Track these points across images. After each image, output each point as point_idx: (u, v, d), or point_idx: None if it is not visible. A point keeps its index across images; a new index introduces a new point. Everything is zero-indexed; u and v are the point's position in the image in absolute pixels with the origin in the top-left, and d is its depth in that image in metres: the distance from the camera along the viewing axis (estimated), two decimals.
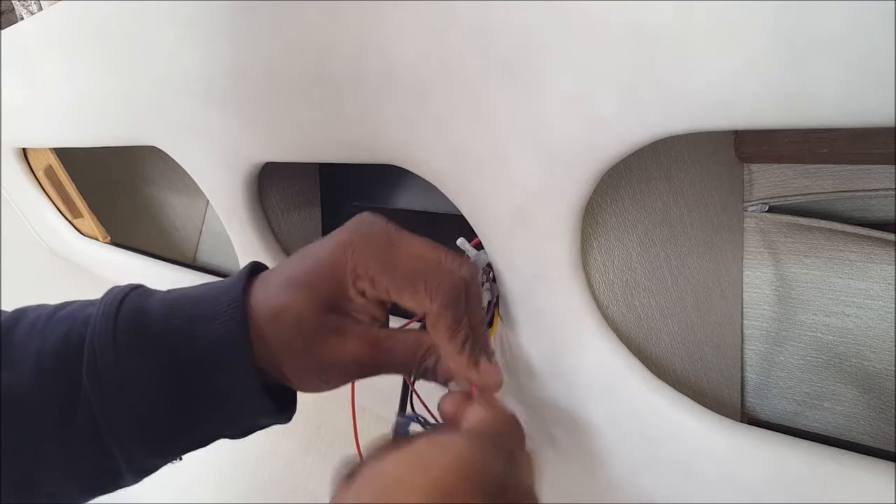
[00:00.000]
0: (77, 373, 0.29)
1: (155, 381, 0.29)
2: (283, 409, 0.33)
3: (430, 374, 0.33)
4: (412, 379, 0.34)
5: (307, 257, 0.32)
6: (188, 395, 0.30)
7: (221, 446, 0.33)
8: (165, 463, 0.32)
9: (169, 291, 0.33)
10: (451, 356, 0.31)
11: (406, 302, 0.31)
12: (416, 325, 0.35)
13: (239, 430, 0.33)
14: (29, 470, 0.30)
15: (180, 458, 0.33)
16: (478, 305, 0.33)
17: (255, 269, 0.34)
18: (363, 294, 0.31)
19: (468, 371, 0.31)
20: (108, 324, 0.30)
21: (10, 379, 0.29)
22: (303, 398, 0.36)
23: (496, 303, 0.40)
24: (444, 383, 0.34)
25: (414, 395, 0.36)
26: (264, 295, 0.31)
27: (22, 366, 0.29)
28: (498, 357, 0.42)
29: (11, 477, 0.29)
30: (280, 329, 0.30)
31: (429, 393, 0.39)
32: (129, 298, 0.31)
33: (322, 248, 0.32)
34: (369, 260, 0.31)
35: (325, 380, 0.32)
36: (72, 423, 0.29)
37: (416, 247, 0.32)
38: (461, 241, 0.38)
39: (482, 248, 0.38)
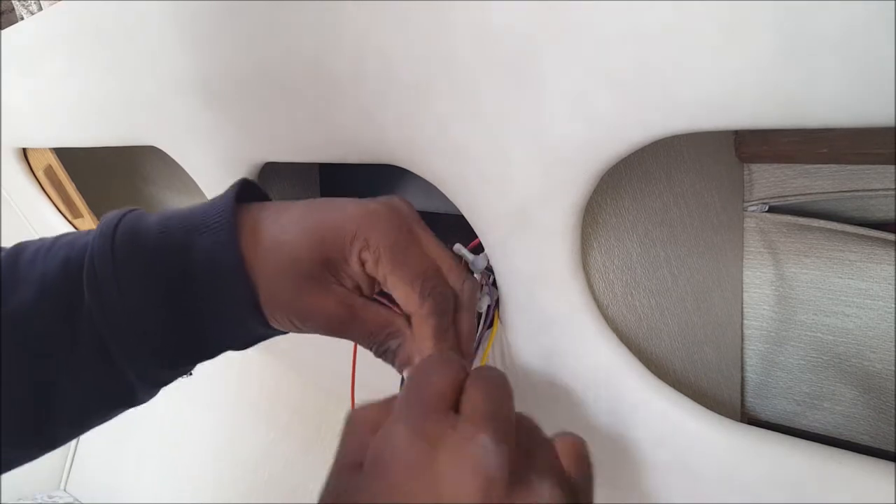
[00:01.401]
0: (79, 292, 0.30)
1: (152, 291, 0.30)
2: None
3: (390, 356, 0.34)
4: (374, 353, 0.35)
5: (326, 208, 0.33)
6: (188, 305, 0.31)
7: (221, 445, 0.33)
8: (176, 375, 0.33)
9: (164, 210, 0.33)
10: (423, 354, 0.32)
11: (397, 294, 0.31)
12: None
13: (242, 340, 0.34)
14: (43, 391, 0.30)
15: (190, 373, 0.34)
16: (469, 322, 0.34)
17: (244, 184, 0.34)
18: (363, 265, 0.32)
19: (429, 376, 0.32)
20: (106, 242, 0.30)
21: (16, 303, 0.30)
22: (303, 402, 0.36)
23: (496, 305, 0.40)
24: (400, 369, 0.34)
25: None
26: (273, 223, 0.32)
27: (26, 290, 0.30)
28: (497, 358, 0.42)
29: (26, 400, 0.30)
30: (273, 259, 0.31)
31: None
32: (125, 219, 0.32)
33: (346, 208, 0.32)
34: (384, 239, 0.31)
35: (293, 321, 0.32)
36: (78, 341, 0.30)
37: (431, 248, 0.33)
38: (458, 247, 0.38)
39: (480, 251, 0.38)
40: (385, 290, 0.32)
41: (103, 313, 0.30)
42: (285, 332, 0.34)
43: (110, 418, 0.34)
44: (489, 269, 0.39)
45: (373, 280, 0.33)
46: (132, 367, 0.31)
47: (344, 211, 0.32)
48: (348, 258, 0.31)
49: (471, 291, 0.34)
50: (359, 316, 0.32)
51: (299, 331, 0.33)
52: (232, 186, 0.33)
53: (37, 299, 0.30)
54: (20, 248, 0.33)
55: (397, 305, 0.33)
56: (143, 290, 0.30)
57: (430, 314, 0.31)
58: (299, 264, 0.31)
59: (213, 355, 0.33)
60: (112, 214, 0.33)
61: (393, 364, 0.34)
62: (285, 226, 0.32)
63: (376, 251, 0.31)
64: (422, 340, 0.32)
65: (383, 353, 0.34)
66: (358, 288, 0.33)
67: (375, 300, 0.34)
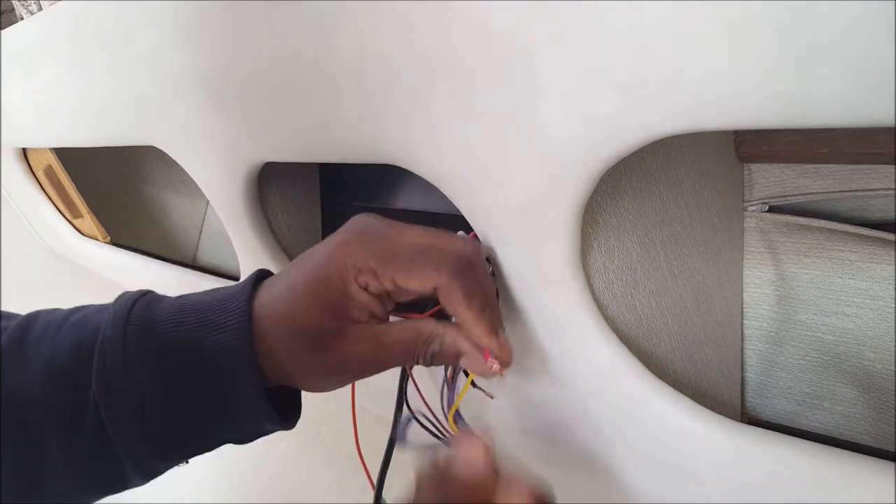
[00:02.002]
0: (87, 378, 0.30)
1: (163, 387, 0.30)
2: (287, 416, 0.33)
3: (439, 358, 0.33)
4: (423, 365, 0.34)
5: (307, 261, 0.33)
6: (195, 402, 0.30)
7: (222, 448, 0.34)
8: (172, 465, 0.33)
9: (178, 298, 0.33)
10: (470, 323, 0.32)
11: (414, 283, 0.31)
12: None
13: (244, 436, 0.33)
14: (36, 473, 0.30)
15: (186, 462, 0.33)
16: (485, 278, 0.33)
17: (262, 276, 0.34)
18: (366, 289, 0.31)
19: (489, 339, 0.32)
20: (118, 330, 0.30)
21: (20, 384, 0.30)
22: (304, 402, 0.36)
23: (496, 296, 0.40)
24: (454, 362, 0.34)
25: (411, 386, 0.37)
26: (269, 303, 0.32)
27: (33, 370, 0.30)
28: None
29: (18, 480, 0.30)
30: (284, 337, 0.31)
31: (427, 390, 0.39)
32: (138, 305, 0.32)
33: (321, 251, 0.32)
34: (369, 253, 0.31)
35: (332, 381, 0.32)
36: (80, 426, 0.30)
37: (412, 233, 0.33)
38: (460, 235, 0.38)
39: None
40: (405, 288, 0.32)
41: (110, 406, 0.29)
42: (286, 429, 0.34)
43: (95, 501, 0.33)
44: (488, 261, 0.39)
45: (383, 299, 0.32)
46: (130, 457, 0.30)
47: (320, 256, 0.32)
48: (350, 293, 0.31)
49: (474, 248, 0.33)
50: (388, 343, 0.32)
51: (344, 385, 0.33)
52: (249, 279, 0.33)
53: (43, 383, 0.30)
54: (30, 320, 0.32)
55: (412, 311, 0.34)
56: (153, 385, 0.30)
57: (452, 276, 0.30)
58: (306, 329, 0.31)
59: (213, 449, 0.33)
60: (126, 298, 0.32)
61: (446, 363, 0.34)
62: (278, 299, 0.32)
63: (369, 266, 0.31)
64: (455, 306, 0.31)
65: (430, 361, 0.33)
66: (373, 315, 0.32)
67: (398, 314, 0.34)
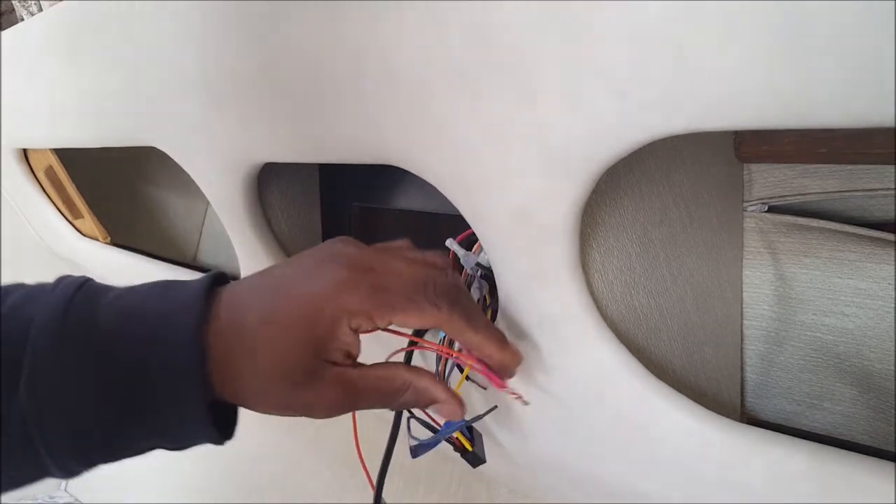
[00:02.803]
0: (14, 380, 0.27)
1: (99, 398, 0.28)
2: (226, 433, 0.32)
3: (411, 405, 0.33)
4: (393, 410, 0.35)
5: (291, 289, 0.31)
6: (132, 417, 0.28)
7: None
8: (94, 468, 0.31)
9: (120, 295, 0.31)
10: (480, 345, 0.32)
11: (413, 323, 0.31)
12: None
13: (177, 448, 0.32)
14: None
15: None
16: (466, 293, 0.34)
17: (217, 280, 0.32)
18: (356, 330, 0.30)
19: (501, 353, 0.32)
20: (52, 336, 0.28)
21: None
22: None
23: (493, 305, 0.40)
24: (425, 407, 0.34)
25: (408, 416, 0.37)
26: (235, 323, 0.30)
27: None
28: None
29: None
30: (253, 366, 0.29)
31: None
32: (77, 299, 0.29)
33: (311, 284, 0.31)
34: (364, 294, 0.30)
35: (290, 414, 0.31)
36: (3, 426, 0.27)
37: (396, 263, 0.32)
38: (449, 242, 0.39)
39: (471, 243, 0.39)
40: (404, 326, 0.32)
41: (37, 410, 0.27)
42: (226, 441, 0.32)
43: (10, 491, 0.31)
44: (479, 265, 0.39)
45: (359, 337, 0.32)
46: (54, 461, 0.28)
47: (311, 289, 0.30)
48: (337, 334, 0.30)
49: (445, 264, 0.34)
50: (361, 390, 0.31)
51: (301, 416, 0.32)
52: (202, 284, 0.31)
53: None
54: None
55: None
56: (87, 401, 0.27)
57: (452, 307, 0.31)
58: (287, 365, 0.29)
59: (140, 454, 0.31)
60: (64, 288, 0.29)
61: (418, 408, 0.34)
62: (255, 324, 0.30)
63: (364, 310, 0.30)
64: (459, 334, 0.32)
65: (402, 406, 0.33)
66: (349, 355, 0.31)
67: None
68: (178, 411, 0.29)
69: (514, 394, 0.35)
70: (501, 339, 0.33)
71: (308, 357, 0.30)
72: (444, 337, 0.36)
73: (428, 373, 0.33)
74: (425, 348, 0.35)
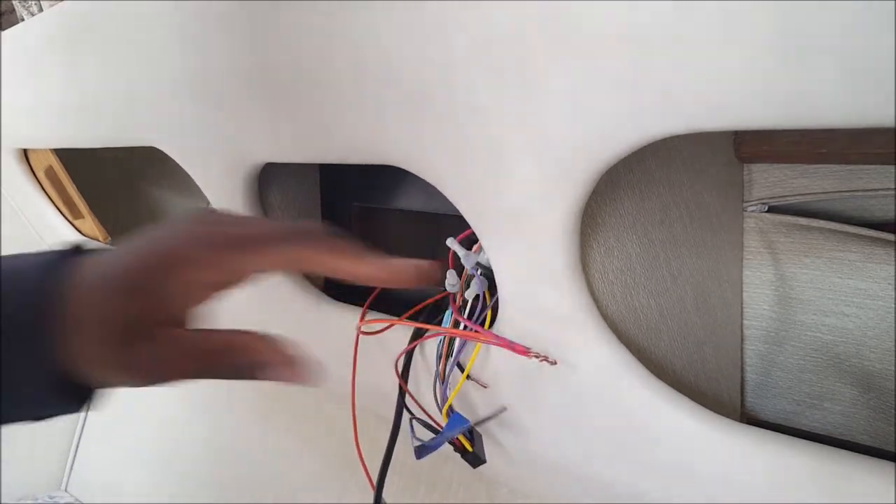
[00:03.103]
0: None
1: None
2: (79, 401, 0.30)
3: (247, 372, 0.31)
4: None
5: (137, 247, 0.30)
6: None
7: (220, 445, 0.33)
8: None
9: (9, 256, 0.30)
10: (356, 268, 0.29)
11: (269, 262, 0.29)
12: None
13: (29, 420, 0.30)
14: None
15: None
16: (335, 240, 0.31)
17: (79, 250, 0.31)
18: (198, 285, 0.29)
19: (379, 269, 0.29)
20: None
21: None
22: (303, 401, 0.36)
23: (491, 299, 0.40)
24: (251, 376, 0.31)
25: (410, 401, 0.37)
26: (86, 283, 0.28)
27: None
28: (495, 358, 0.42)
29: None
30: (90, 322, 0.28)
31: (428, 396, 0.39)
32: None
33: (151, 242, 0.30)
34: (197, 246, 0.29)
35: (133, 380, 0.29)
36: None
37: (257, 222, 0.31)
38: (450, 241, 0.38)
39: (472, 242, 0.39)
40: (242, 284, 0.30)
41: None
42: (74, 413, 0.30)
43: None
44: (478, 265, 0.39)
45: (217, 289, 0.30)
46: None
47: (150, 247, 0.29)
48: (170, 289, 0.29)
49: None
50: (190, 353, 0.29)
51: (142, 386, 0.30)
52: (53, 256, 0.29)
53: None
54: None
55: None
56: None
57: (297, 236, 0.29)
58: (120, 318, 0.28)
59: None
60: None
61: (252, 377, 0.31)
62: (100, 286, 0.28)
63: (204, 261, 0.29)
64: (372, 273, 0.29)
65: (237, 374, 0.31)
66: (189, 314, 0.30)
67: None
68: (24, 375, 0.28)
69: (539, 356, 0.34)
70: (379, 259, 0.29)
71: (137, 314, 0.28)
72: (449, 320, 0.36)
73: (257, 332, 0.30)
74: (431, 336, 0.35)
